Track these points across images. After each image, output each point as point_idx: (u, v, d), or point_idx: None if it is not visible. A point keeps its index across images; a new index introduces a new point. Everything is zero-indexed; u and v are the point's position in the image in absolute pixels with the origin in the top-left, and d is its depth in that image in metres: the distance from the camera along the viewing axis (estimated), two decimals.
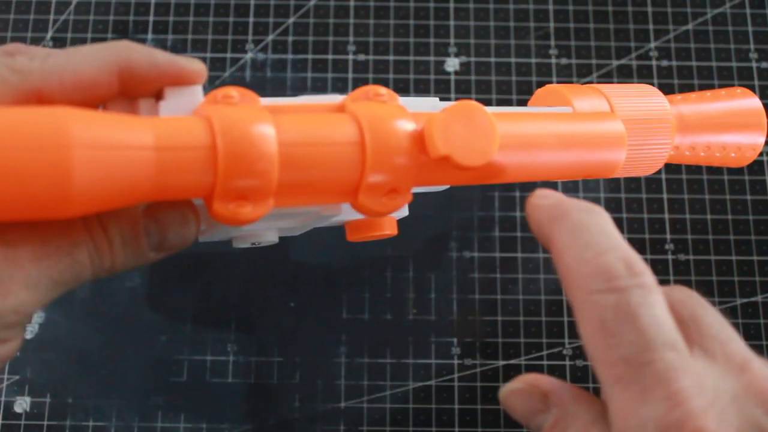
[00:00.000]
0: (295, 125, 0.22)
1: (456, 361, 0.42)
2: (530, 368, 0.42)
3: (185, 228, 0.23)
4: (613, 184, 0.45)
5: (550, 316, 0.43)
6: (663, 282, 0.43)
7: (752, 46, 0.48)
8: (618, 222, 0.45)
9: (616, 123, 0.28)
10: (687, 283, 0.44)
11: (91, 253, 0.22)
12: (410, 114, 0.24)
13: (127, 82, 0.23)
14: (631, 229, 0.45)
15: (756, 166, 0.46)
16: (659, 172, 0.46)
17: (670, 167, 0.46)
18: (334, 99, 0.24)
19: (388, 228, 0.29)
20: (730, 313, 0.43)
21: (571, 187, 0.45)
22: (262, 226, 0.27)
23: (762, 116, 0.31)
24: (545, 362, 0.42)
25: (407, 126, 0.23)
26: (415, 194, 0.27)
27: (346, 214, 0.27)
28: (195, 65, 0.24)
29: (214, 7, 0.48)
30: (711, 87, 0.47)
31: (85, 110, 0.20)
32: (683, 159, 0.31)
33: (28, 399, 0.41)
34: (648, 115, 0.29)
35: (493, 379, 0.42)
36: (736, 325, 0.43)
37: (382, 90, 0.24)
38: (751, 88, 0.47)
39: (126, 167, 0.19)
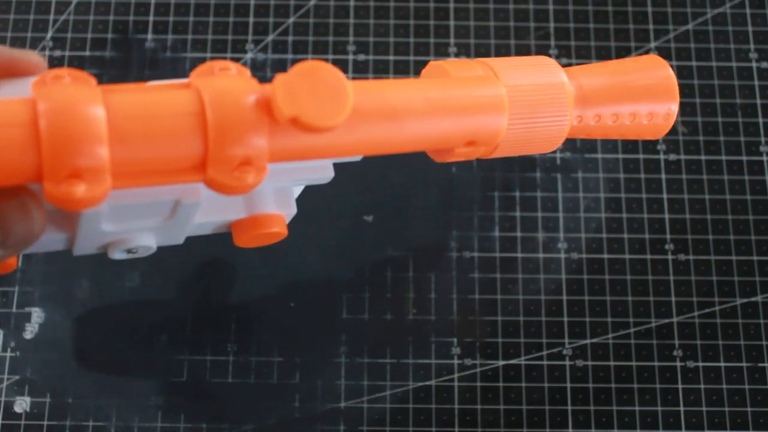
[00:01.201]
0: (129, 101, 0.21)
1: (456, 361, 0.42)
2: (530, 368, 0.42)
3: (28, 219, 0.22)
4: (613, 184, 0.45)
5: (550, 316, 0.43)
6: (663, 282, 0.44)
7: (752, 46, 0.48)
8: (618, 222, 0.45)
9: (496, 87, 0.26)
10: (687, 284, 0.44)
11: None
12: (258, 83, 0.23)
13: None
14: (631, 229, 0.45)
15: (756, 167, 0.46)
16: (659, 171, 0.46)
17: (669, 167, 0.46)
18: (181, 80, 0.23)
19: (277, 225, 0.28)
20: (730, 313, 0.43)
21: (571, 187, 0.45)
22: (130, 228, 0.26)
23: (671, 84, 0.29)
24: (545, 362, 0.42)
25: (253, 93, 0.22)
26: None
27: (214, 212, 0.26)
28: (30, 56, 0.23)
29: (214, 7, 0.48)
30: (711, 87, 0.47)
31: None
32: (591, 131, 0.29)
33: (28, 399, 0.41)
34: (539, 85, 0.27)
35: (493, 379, 0.42)
36: (735, 325, 0.43)
37: (231, 65, 0.23)
38: (751, 88, 0.47)
39: None
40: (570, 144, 0.46)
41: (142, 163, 0.21)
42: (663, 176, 0.46)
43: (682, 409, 0.42)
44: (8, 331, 0.42)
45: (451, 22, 0.48)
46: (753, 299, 0.43)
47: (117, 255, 0.27)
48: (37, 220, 0.22)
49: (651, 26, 0.48)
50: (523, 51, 0.48)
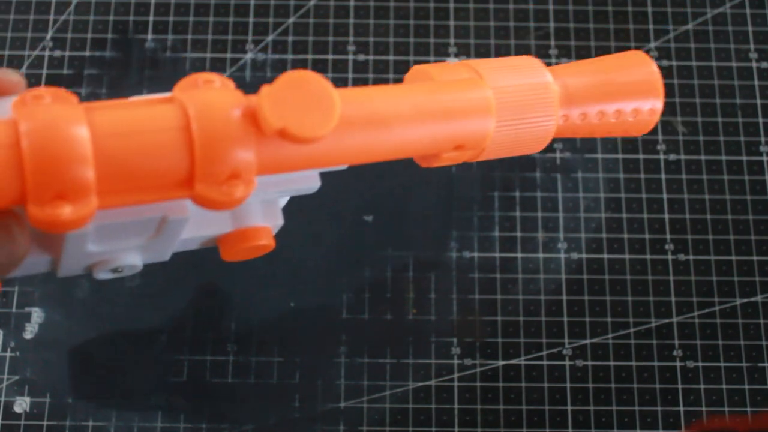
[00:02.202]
0: (112, 118, 0.21)
1: (456, 361, 0.42)
2: (530, 368, 0.42)
3: (11, 242, 0.21)
4: (613, 184, 0.45)
5: (549, 316, 0.43)
6: (663, 283, 0.44)
7: (752, 46, 0.48)
8: (618, 222, 0.45)
9: (482, 89, 0.26)
10: (687, 284, 0.44)
11: None
12: (243, 95, 0.22)
13: None
14: (631, 229, 0.45)
15: (756, 167, 0.46)
16: (659, 171, 0.46)
17: (669, 167, 0.46)
18: (164, 94, 0.23)
19: (264, 238, 0.27)
20: (730, 313, 0.43)
21: (571, 187, 0.45)
22: (116, 247, 0.26)
23: (656, 82, 0.29)
24: (545, 362, 0.42)
25: (239, 105, 0.21)
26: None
27: (200, 227, 0.25)
28: (8, 75, 0.23)
29: (214, 7, 0.48)
30: (711, 87, 0.47)
31: None
32: (577, 129, 0.29)
33: (28, 399, 0.41)
34: (524, 86, 0.27)
35: (492, 379, 0.42)
36: (735, 325, 0.43)
37: (215, 77, 0.22)
38: (751, 88, 0.47)
39: None
40: (570, 144, 0.46)
41: (128, 180, 0.21)
42: (663, 176, 0.46)
43: (682, 409, 0.42)
44: (8, 331, 0.42)
45: (451, 22, 0.48)
46: (753, 299, 0.43)
47: (102, 275, 0.27)
48: (21, 243, 0.22)
49: (651, 26, 0.48)
50: (522, 51, 0.48)
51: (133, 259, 0.27)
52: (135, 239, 0.26)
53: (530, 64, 0.28)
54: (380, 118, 0.24)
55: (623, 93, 0.29)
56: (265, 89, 0.21)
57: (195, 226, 0.27)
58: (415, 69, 0.28)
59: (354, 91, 0.24)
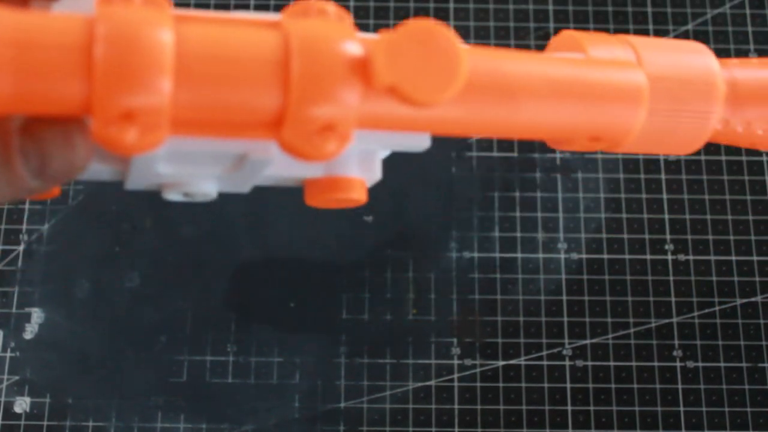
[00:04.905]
0: (204, 37, 0.19)
1: (456, 362, 0.42)
2: (530, 368, 0.42)
3: (71, 150, 0.19)
4: (613, 184, 0.45)
5: (550, 316, 0.43)
6: (663, 283, 0.44)
7: (752, 47, 0.48)
8: (618, 222, 0.45)
9: (635, 72, 0.22)
10: (687, 284, 0.44)
11: None
12: (358, 36, 0.19)
13: None
14: (631, 229, 0.45)
15: (756, 167, 0.46)
16: (659, 171, 0.46)
17: (669, 167, 0.46)
18: (271, 16, 0.20)
19: (356, 191, 0.24)
20: (730, 313, 0.43)
21: (571, 188, 0.45)
22: (189, 172, 0.23)
23: None
24: (545, 362, 0.42)
25: (350, 47, 0.19)
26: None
27: (286, 167, 0.23)
28: None
29: (214, 7, 0.48)
30: None
31: None
32: (736, 138, 0.25)
33: (28, 399, 0.41)
34: (686, 74, 0.23)
35: (492, 380, 0.42)
36: (735, 326, 0.43)
37: (330, 7, 0.20)
38: None
39: None
40: None
41: (207, 110, 0.19)
42: (663, 176, 0.46)
43: (682, 409, 0.42)
44: (8, 331, 0.42)
45: (451, 22, 0.48)
46: (753, 299, 0.43)
47: (172, 196, 0.24)
48: (81, 152, 0.20)
49: (651, 26, 0.48)
50: None
51: (208, 188, 0.24)
52: (211, 168, 0.23)
53: (697, 49, 0.24)
54: (510, 89, 0.21)
55: None
56: (385, 37, 0.19)
57: (280, 165, 0.24)
58: (564, 35, 0.24)
59: (485, 52, 0.21)
